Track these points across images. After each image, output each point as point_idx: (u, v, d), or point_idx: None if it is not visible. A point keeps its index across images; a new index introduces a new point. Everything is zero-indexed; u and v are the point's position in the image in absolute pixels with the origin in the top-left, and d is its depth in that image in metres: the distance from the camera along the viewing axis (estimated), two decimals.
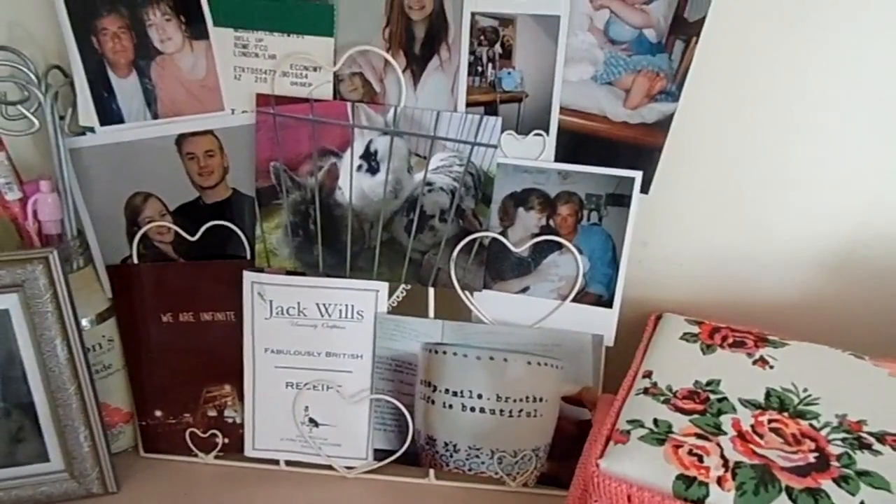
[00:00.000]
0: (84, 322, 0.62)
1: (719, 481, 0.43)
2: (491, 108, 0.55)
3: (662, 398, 0.51)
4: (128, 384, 0.66)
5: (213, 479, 0.66)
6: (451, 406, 0.62)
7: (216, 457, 0.67)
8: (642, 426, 0.48)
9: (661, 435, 0.47)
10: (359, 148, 0.57)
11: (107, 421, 0.64)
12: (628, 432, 0.48)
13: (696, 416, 0.49)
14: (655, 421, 0.48)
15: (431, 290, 0.60)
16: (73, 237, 0.61)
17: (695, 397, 0.51)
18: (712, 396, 0.50)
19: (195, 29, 0.55)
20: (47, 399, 0.60)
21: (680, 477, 0.44)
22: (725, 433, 0.47)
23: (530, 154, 0.56)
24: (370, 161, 0.57)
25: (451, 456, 0.63)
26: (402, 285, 0.61)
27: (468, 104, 0.55)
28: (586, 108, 0.54)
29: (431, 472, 0.65)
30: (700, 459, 0.45)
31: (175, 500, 0.63)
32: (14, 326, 0.58)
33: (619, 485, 0.45)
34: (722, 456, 0.45)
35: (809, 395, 0.50)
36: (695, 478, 0.43)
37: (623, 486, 0.45)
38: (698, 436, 0.47)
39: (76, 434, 0.61)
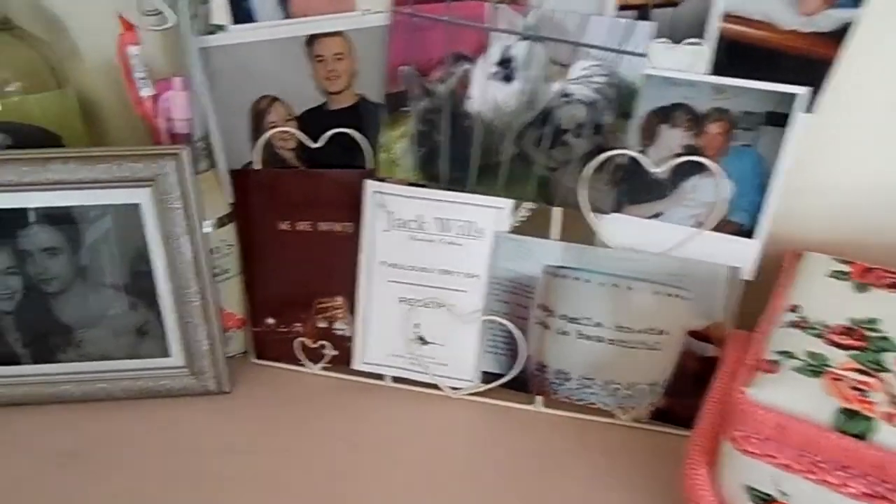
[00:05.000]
0: (206, 225, 0.63)
1: (889, 417, 0.40)
2: (643, 13, 0.51)
3: (814, 332, 0.47)
4: (243, 290, 0.67)
5: (319, 389, 0.67)
6: (566, 333, 0.60)
7: (324, 368, 0.68)
8: (794, 357, 0.45)
9: (817, 367, 0.44)
10: (494, 53, 0.54)
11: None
12: (778, 363, 0.44)
13: (855, 351, 0.45)
14: (810, 353, 0.45)
15: (557, 211, 0.58)
16: (200, 139, 0.62)
17: (852, 333, 0.47)
18: (871, 334, 0.47)
19: None
20: (172, 295, 0.61)
21: (843, 410, 0.40)
22: (890, 370, 0.43)
23: (682, 65, 0.51)
24: (505, 68, 0.54)
25: (562, 384, 0.62)
26: (527, 204, 0.58)
27: (619, 7, 0.51)
28: (751, 15, 0.49)
29: (539, 398, 0.63)
30: (864, 394, 0.41)
31: (282, 406, 0.65)
32: (145, 221, 0.59)
33: (767, 413, 0.42)
34: (888, 392, 0.41)
35: None
36: (858, 412, 0.40)
37: (772, 414, 0.42)
38: (859, 371, 0.43)
39: (196, 332, 0.63)
